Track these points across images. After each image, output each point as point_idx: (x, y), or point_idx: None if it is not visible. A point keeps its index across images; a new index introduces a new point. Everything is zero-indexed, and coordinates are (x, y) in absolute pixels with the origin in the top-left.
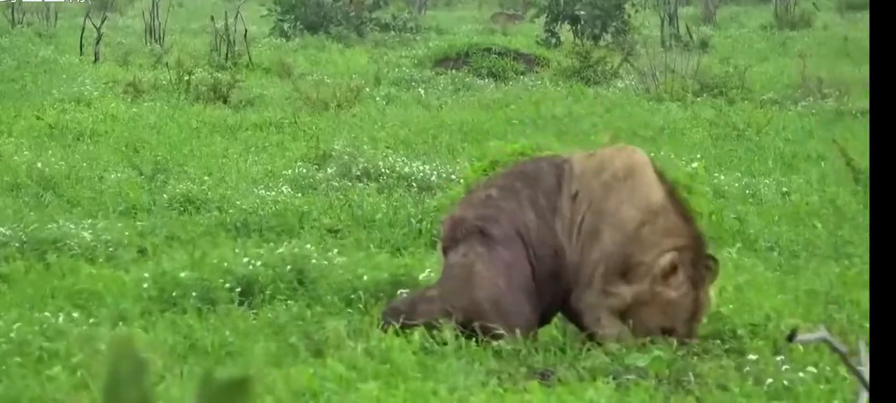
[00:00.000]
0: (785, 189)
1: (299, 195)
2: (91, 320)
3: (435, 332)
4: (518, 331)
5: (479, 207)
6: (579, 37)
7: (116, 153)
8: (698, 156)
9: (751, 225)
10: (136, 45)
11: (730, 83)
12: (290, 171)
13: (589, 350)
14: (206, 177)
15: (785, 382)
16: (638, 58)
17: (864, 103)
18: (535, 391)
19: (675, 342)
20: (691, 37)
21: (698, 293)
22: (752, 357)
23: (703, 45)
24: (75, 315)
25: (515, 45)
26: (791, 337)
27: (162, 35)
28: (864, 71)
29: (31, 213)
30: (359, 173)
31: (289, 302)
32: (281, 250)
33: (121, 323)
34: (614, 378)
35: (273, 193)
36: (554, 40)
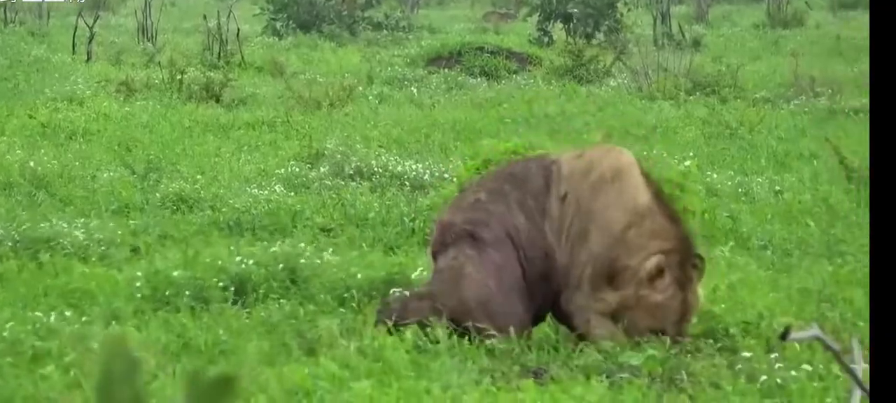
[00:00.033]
0: (778, 187)
1: (292, 194)
2: (84, 319)
3: (428, 330)
4: (512, 329)
5: (468, 211)
6: (572, 35)
7: (109, 152)
8: (691, 154)
9: (744, 223)
10: (128, 44)
11: (722, 82)
12: (282, 170)
13: (582, 348)
14: (198, 176)
15: (778, 380)
16: (630, 56)
17: (857, 102)
18: (529, 389)
19: (668, 340)
20: (684, 35)
21: (686, 294)
22: (745, 355)
23: (696, 43)
24: (68, 314)
25: (508, 43)
26: (784, 336)
27: (154, 34)
28: (857, 69)
29: (24, 212)
30: (351, 172)
31: (282, 300)
32: (274, 249)
33: (114, 322)
34: (607, 377)
35: (266, 192)
36: (546, 39)
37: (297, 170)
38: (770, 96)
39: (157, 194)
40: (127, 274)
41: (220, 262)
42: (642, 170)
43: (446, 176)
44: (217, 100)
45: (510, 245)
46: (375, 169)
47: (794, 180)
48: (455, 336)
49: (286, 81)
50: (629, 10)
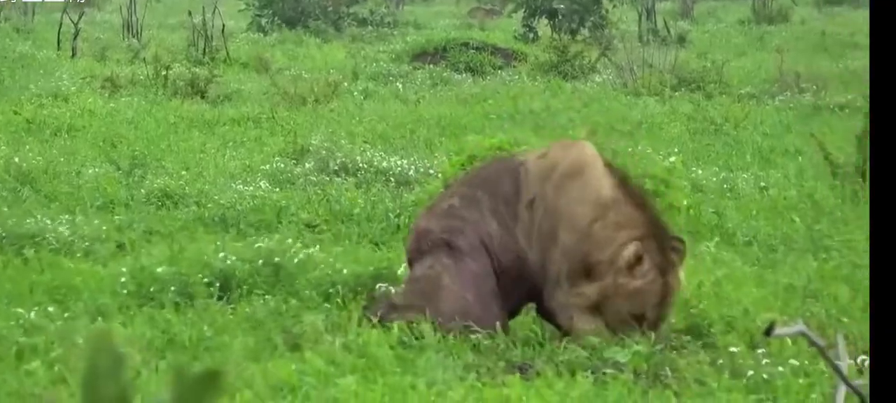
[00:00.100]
0: (763, 183)
1: (277, 190)
2: (66, 315)
3: (413, 326)
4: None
5: (443, 218)
6: (557, 31)
7: (94, 148)
8: (676, 150)
9: (729, 219)
10: (113, 40)
11: (707, 78)
12: (267, 166)
13: (567, 344)
14: (183, 172)
15: (764, 376)
16: (615, 52)
17: (842, 97)
18: (514, 385)
19: (652, 335)
20: (669, 31)
21: (667, 278)
22: (730, 350)
23: (681, 39)
24: (53, 310)
25: (493, 39)
26: (769, 331)
27: (139, 30)
28: (842, 65)
29: (9, 209)
30: (336, 168)
31: (267, 296)
32: (259, 245)
33: (99, 318)
34: (592, 373)
35: (251, 188)
36: (531, 35)
37: (283, 165)
38: (755, 92)
39: (142, 190)
40: (112, 270)
41: (204, 258)
42: (606, 161)
43: (431, 171)
44: (202, 97)
45: (485, 252)
46: (360, 164)
47: (779, 176)
48: (440, 333)
49: (271, 77)
50: (614, 6)
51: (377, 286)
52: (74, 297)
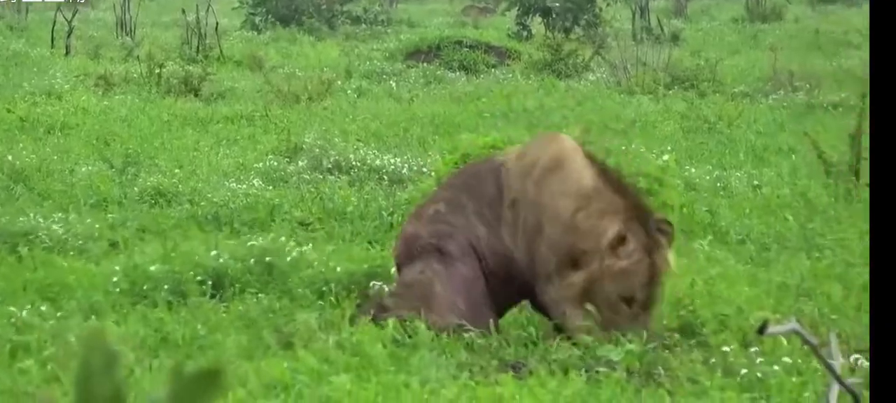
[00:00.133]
0: (756, 181)
1: (270, 188)
2: (59, 314)
3: (407, 324)
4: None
5: (431, 223)
6: (550, 30)
7: (87, 146)
8: (669, 148)
9: (722, 217)
10: (107, 38)
11: (701, 76)
12: (261, 164)
13: (560, 342)
14: (177, 170)
15: (758, 374)
16: (609, 51)
17: (835, 96)
18: (507, 383)
19: (645, 334)
20: (662, 30)
21: (653, 258)
22: (723, 349)
23: (675, 37)
24: (46, 308)
25: (487, 38)
26: (762, 330)
27: (133, 28)
28: (836, 64)
29: (2, 206)
30: (330, 166)
31: (260, 294)
32: (252, 243)
33: (92, 317)
34: (586, 371)
35: (244, 186)
36: (525, 33)
37: (276, 163)
38: (749, 90)
39: (136, 188)
40: (105, 268)
41: (198, 256)
42: (586, 152)
43: (425, 170)
44: (196, 95)
45: (474, 256)
46: (354, 163)
47: (772, 174)
48: (433, 331)
49: (265, 75)
50: (608, 4)
51: (371, 284)
52: (68, 295)
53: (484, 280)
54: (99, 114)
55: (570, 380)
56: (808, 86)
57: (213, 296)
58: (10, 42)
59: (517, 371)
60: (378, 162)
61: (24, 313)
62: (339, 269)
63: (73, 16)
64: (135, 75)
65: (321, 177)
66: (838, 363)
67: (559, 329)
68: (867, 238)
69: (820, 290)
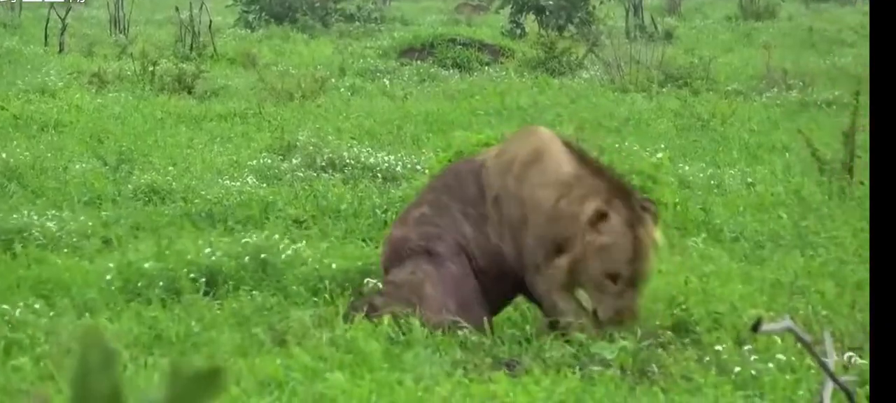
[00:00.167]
0: (750, 179)
1: (264, 185)
2: (54, 311)
3: (402, 322)
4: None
5: (417, 226)
6: (544, 27)
7: (81, 143)
8: (663, 146)
9: (716, 215)
10: (100, 35)
11: (695, 74)
12: (254, 162)
13: (554, 340)
14: (170, 168)
15: (751, 372)
16: (603, 48)
17: (829, 94)
18: (501, 381)
19: (639, 332)
20: (656, 27)
21: (636, 233)
22: (717, 347)
23: (668, 35)
24: (40, 305)
25: (480, 35)
26: (756, 328)
27: (126, 25)
28: (829, 62)
29: None
30: (324, 164)
31: (254, 292)
32: (246, 240)
33: (86, 314)
34: (580, 369)
35: (238, 184)
36: (519, 31)
37: (270, 161)
38: (742, 88)
39: (129, 185)
40: (99, 266)
41: (191, 254)
42: (564, 140)
43: (418, 167)
44: (189, 92)
45: (463, 255)
46: (347, 160)
47: (766, 172)
48: (427, 329)
49: (258, 73)
50: (601, 2)
51: (365, 281)
52: (61, 293)
53: (474, 278)
54: (92, 111)
55: (564, 378)
56: (801, 83)
57: (206, 294)
58: (3, 39)
59: (511, 368)
60: (372, 159)
61: (18, 310)
62: (333, 267)
63: (67, 13)
64: (128, 73)
65: (315, 174)
66: (832, 360)
67: (553, 325)
68: (861, 235)
69: (814, 288)
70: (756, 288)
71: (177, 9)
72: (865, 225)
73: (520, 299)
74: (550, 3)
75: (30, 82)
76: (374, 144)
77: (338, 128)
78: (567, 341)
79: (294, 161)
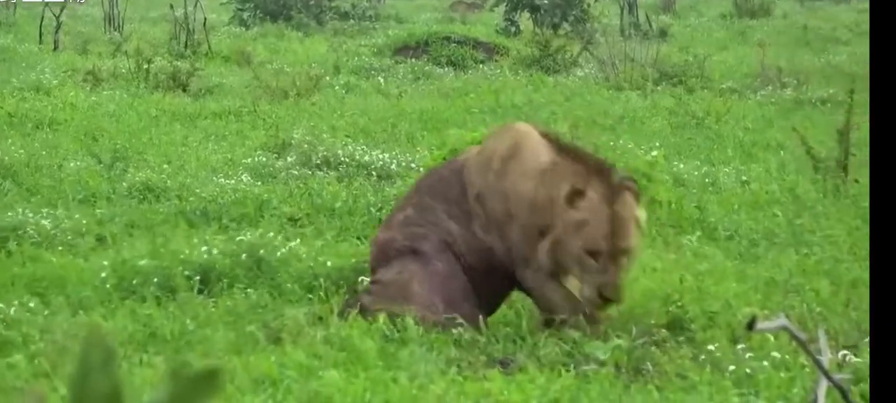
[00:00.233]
0: (744, 177)
1: (259, 183)
2: (47, 310)
3: (397, 320)
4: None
5: (402, 228)
6: (539, 25)
7: (76, 141)
8: (658, 144)
9: (710, 213)
10: (95, 33)
11: (689, 72)
12: (249, 160)
13: (548, 338)
14: (165, 166)
15: (746, 370)
16: (597, 46)
17: (824, 92)
18: (495, 379)
19: (634, 331)
20: (651, 25)
21: (615, 208)
22: (711, 346)
23: (663, 33)
24: (34, 303)
25: (475, 33)
26: (750, 326)
27: (121, 23)
28: (824, 60)
29: None
30: (318, 162)
31: (248, 290)
32: (240, 238)
33: (81, 312)
34: (574, 367)
35: (232, 182)
36: (513, 29)
37: (264, 159)
38: (737, 86)
39: (124, 183)
40: (93, 264)
41: (186, 252)
42: (542, 131)
43: (413, 165)
44: (184, 90)
45: (450, 253)
46: (342, 158)
47: (760, 170)
48: (422, 326)
49: (253, 71)
50: (596, 0)
51: (359, 279)
52: (56, 291)
53: (462, 276)
54: (87, 109)
55: (559, 376)
56: (796, 81)
57: (201, 292)
58: None
59: (505, 366)
60: (366, 157)
61: (13, 309)
62: (327, 264)
63: (61, 11)
64: (123, 71)
65: (310, 172)
66: (827, 358)
67: (548, 323)
68: (856, 233)
69: (808, 286)
70: (751, 287)
71: (171, 6)
72: (860, 223)
73: (515, 297)
74: (545, 1)
75: (24, 80)
76: (368, 142)
77: (332, 126)
78: (561, 339)
79: (289, 159)
